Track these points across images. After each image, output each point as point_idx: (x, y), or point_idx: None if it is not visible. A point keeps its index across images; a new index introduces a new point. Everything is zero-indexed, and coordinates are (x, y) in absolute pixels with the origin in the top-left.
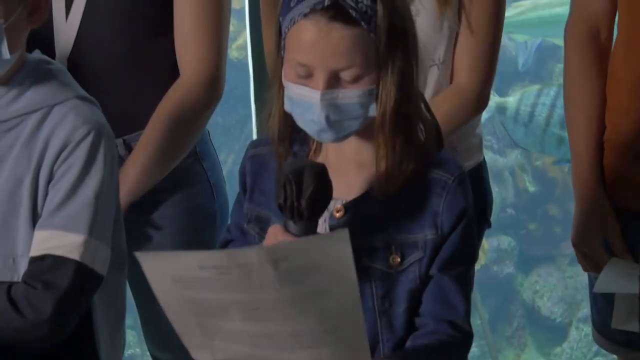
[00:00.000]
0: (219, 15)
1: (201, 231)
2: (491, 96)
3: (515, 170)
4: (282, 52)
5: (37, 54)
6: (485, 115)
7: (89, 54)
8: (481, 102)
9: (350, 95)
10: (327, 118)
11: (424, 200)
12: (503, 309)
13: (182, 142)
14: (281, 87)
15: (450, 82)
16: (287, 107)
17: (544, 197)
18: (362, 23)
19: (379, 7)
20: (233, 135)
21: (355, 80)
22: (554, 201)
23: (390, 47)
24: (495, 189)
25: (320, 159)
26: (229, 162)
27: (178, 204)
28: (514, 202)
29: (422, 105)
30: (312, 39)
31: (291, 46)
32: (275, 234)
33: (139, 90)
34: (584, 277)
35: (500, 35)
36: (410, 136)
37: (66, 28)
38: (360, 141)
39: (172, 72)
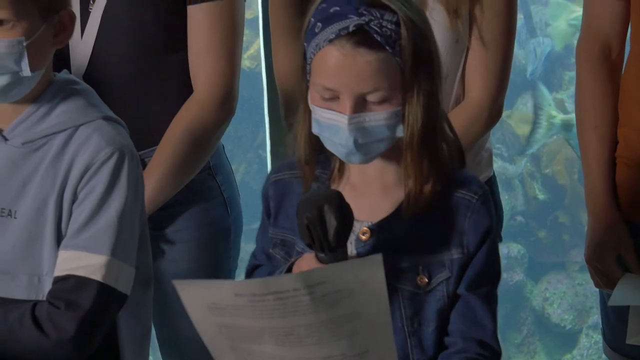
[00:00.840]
0: (232, 31)
1: (215, 245)
2: (555, 113)
3: (524, 178)
4: (308, 76)
5: (64, 74)
6: (542, 131)
7: (104, 71)
8: (495, 115)
9: (377, 117)
10: (356, 141)
11: (448, 219)
12: (513, 316)
13: (197, 158)
14: (307, 111)
15: (454, 96)
16: (315, 130)
17: (554, 204)
18: (387, 47)
19: (403, 31)
20: (245, 145)
21: (382, 102)
22: (563, 209)
23: (415, 69)
24: (505, 197)
25: (343, 181)
26: (241, 171)
27: (192, 218)
28: (524, 210)
29: (445, 124)
30: (338, 64)
31: (317, 71)
32: (309, 265)
33: (153, 106)
34: (593, 284)
35: (512, 48)
36: (436, 156)
37: (81, 46)
38: (384, 162)
39: (186, 88)
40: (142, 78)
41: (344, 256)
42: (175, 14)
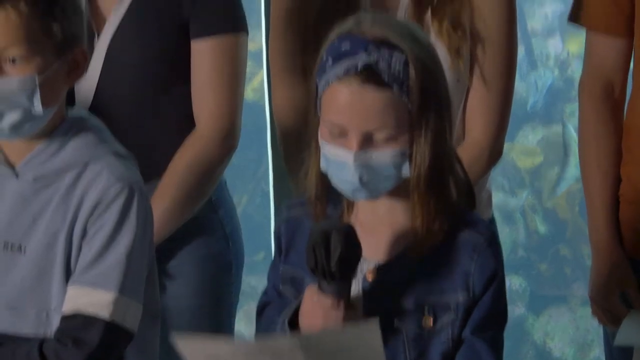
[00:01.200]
0: (235, 67)
1: (216, 280)
2: None
3: (526, 211)
4: (318, 111)
5: (77, 110)
6: (571, 170)
7: (108, 104)
8: (496, 155)
9: (383, 156)
10: (361, 179)
11: (455, 261)
12: (514, 351)
13: (199, 192)
14: (317, 147)
15: (454, 136)
16: (324, 166)
17: (555, 238)
18: (395, 86)
19: (411, 71)
20: (247, 176)
21: (389, 140)
22: (565, 242)
23: (423, 109)
24: (506, 230)
25: (352, 219)
26: (243, 202)
27: (193, 253)
28: (525, 243)
29: (455, 163)
30: (346, 101)
31: (326, 107)
32: (311, 296)
33: (156, 139)
34: (595, 318)
35: (513, 87)
36: (443, 196)
37: (86, 80)
38: (392, 201)
39: (189, 121)
40: (146, 111)
41: (347, 291)
42: (180, 49)
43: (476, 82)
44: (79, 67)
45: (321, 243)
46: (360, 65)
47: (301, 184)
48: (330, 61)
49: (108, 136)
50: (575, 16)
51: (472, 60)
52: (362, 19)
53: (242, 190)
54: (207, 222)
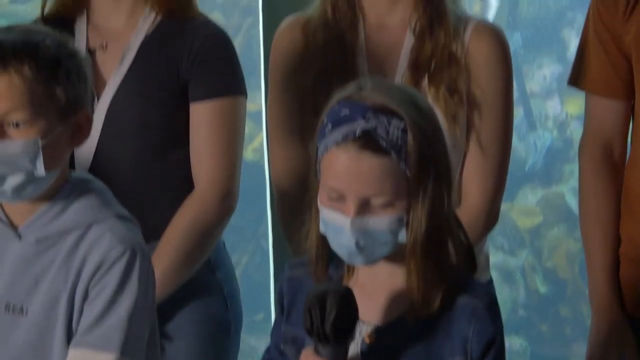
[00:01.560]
0: (234, 129)
1: (215, 342)
2: None
3: (526, 271)
4: (318, 175)
5: (80, 172)
6: None
7: (107, 166)
8: (492, 219)
9: (380, 222)
10: (357, 243)
11: (453, 325)
12: None
13: (197, 254)
14: (317, 210)
15: None
16: (322, 229)
17: (555, 298)
18: (393, 153)
19: (410, 138)
20: (246, 236)
21: (386, 207)
22: (565, 302)
23: (421, 176)
24: (506, 290)
25: (352, 282)
26: (243, 262)
27: (191, 314)
28: (525, 303)
29: (456, 226)
30: (343, 167)
31: (324, 171)
32: (307, 358)
33: (156, 201)
34: None
35: (509, 152)
36: (441, 261)
37: (86, 144)
38: (392, 265)
39: (189, 183)
40: (145, 173)
41: (342, 355)
42: (179, 111)
43: (472, 147)
44: (83, 131)
45: (317, 305)
46: (358, 131)
47: (301, 245)
48: (329, 126)
49: (111, 199)
50: (575, 79)
51: (469, 125)
52: (363, 84)
53: (242, 250)
54: (205, 283)
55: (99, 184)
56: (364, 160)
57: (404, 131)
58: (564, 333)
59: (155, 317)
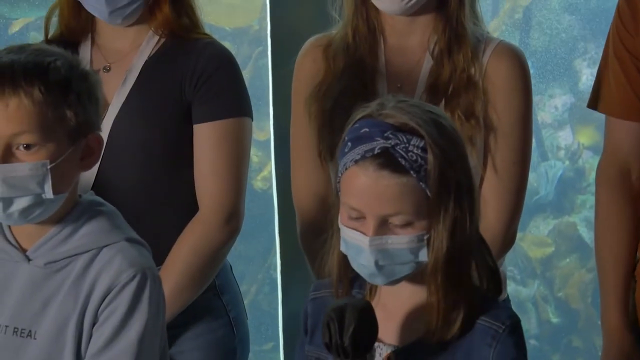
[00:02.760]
0: (238, 150)
1: None
2: None
3: (537, 301)
4: (339, 193)
5: (89, 195)
6: None
7: (109, 188)
8: (508, 242)
9: (399, 241)
10: (376, 263)
11: (474, 348)
12: None
13: (202, 277)
14: (338, 229)
15: None
16: (343, 249)
17: (567, 328)
18: (412, 172)
19: (430, 157)
20: (256, 265)
21: (405, 226)
22: (577, 333)
23: (441, 196)
24: None
25: (374, 302)
26: (252, 292)
27: (196, 338)
28: (537, 334)
29: (479, 248)
30: (361, 186)
31: (344, 190)
32: None
33: (158, 223)
34: None
35: (527, 176)
36: (463, 282)
37: None
38: (414, 286)
39: (192, 205)
40: (148, 196)
41: None
42: (183, 132)
43: (489, 172)
44: (94, 154)
45: (335, 318)
46: (377, 149)
47: (323, 266)
48: (349, 144)
49: (121, 222)
50: (594, 102)
51: (486, 148)
52: (385, 102)
53: (252, 279)
54: (211, 307)
55: (109, 206)
56: (382, 179)
57: (424, 150)
58: None
59: (166, 340)
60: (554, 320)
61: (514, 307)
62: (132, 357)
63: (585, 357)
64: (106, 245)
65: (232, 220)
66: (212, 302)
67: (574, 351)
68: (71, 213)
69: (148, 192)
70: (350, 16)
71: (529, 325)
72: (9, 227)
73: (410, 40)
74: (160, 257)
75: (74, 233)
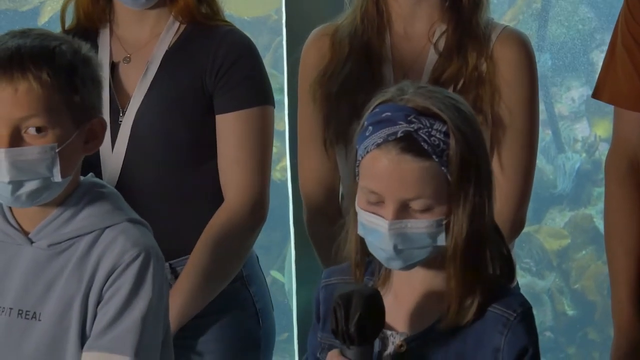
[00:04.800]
0: (262, 139)
1: (244, 358)
2: None
3: (553, 293)
4: (357, 178)
5: (90, 177)
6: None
7: (135, 181)
8: (517, 227)
9: (418, 225)
10: (395, 247)
11: (486, 336)
12: None
13: (228, 267)
14: (355, 213)
15: None
16: (361, 232)
17: (583, 320)
18: (434, 156)
19: (452, 142)
20: (272, 256)
21: (425, 210)
22: (593, 325)
23: (462, 181)
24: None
25: (387, 288)
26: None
27: (223, 329)
28: (553, 326)
29: (495, 236)
30: (383, 169)
31: (364, 174)
32: (332, 358)
33: (184, 215)
34: None
35: (534, 161)
36: (479, 269)
37: (113, 157)
38: (427, 272)
39: (217, 196)
40: (173, 187)
41: (368, 355)
42: (205, 124)
43: (495, 164)
44: (97, 137)
45: (342, 305)
46: (400, 133)
47: (330, 255)
48: (370, 128)
49: (122, 203)
50: (600, 92)
51: (492, 144)
52: (405, 87)
53: (267, 270)
54: (238, 298)
55: (110, 188)
56: (404, 162)
57: (447, 135)
58: (592, 357)
59: (168, 320)
60: (570, 312)
61: (529, 299)
62: (137, 335)
63: (601, 350)
64: (109, 226)
65: (257, 209)
66: (240, 293)
67: (589, 344)
68: (73, 195)
69: (172, 182)
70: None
71: (545, 318)
72: (10, 209)
73: (415, 27)
74: (183, 246)
75: (77, 215)
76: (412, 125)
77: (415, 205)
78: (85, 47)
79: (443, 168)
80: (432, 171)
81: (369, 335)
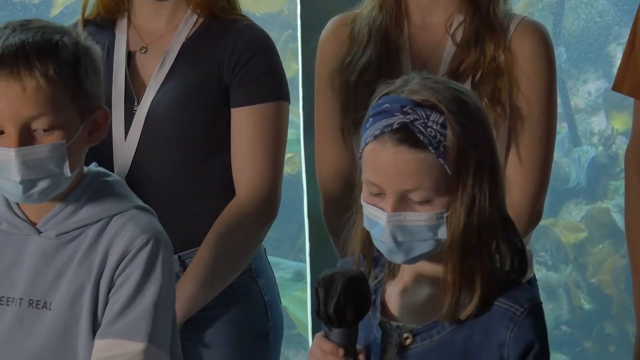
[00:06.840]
0: (276, 135)
1: (252, 350)
2: None
3: (569, 287)
4: (361, 170)
5: (94, 167)
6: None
7: (147, 172)
8: (534, 219)
9: (417, 218)
10: (395, 239)
11: (491, 329)
12: None
13: (237, 260)
14: (361, 206)
15: None
16: (365, 225)
17: (600, 314)
18: (431, 148)
19: (449, 133)
20: (285, 249)
21: (425, 202)
22: (610, 319)
23: (460, 173)
24: (549, 306)
25: (396, 281)
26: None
27: (231, 321)
28: (569, 320)
29: (504, 228)
30: (380, 161)
31: (364, 166)
32: (316, 340)
33: (195, 207)
34: None
35: (552, 153)
36: (481, 262)
37: (125, 147)
38: (435, 266)
39: (229, 189)
40: (185, 179)
41: (349, 340)
42: (220, 117)
43: (512, 155)
44: (101, 128)
45: (323, 287)
46: (395, 124)
47: (348, 242)
48: (371, 120)
49: (127, 190)
50: (620, 85)
51: (510, 135)
52: (410, 79)
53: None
54: (246, 290)
55: (114, 176)
56: (401, 154)
57: (444, 126)
58: (608, 351)
59: (174, 307)
60: (586, 306)
61: (544, 293)
62: (149, 321)
63: (617, 344)
64: (116, 214)
65: (268, 205)
66: (248, 285)
67: (606, 338)
68: (79, 185)
69: (184, 174)
70: None
71: (561, 311)
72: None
73: (433, 18)
74: (193, 238)
75: (84, 204)
76: (408, 117)
77: (415, 197)
78: (83, 36)
79: (440, 159)
80: (429, 162)
81: (349, 318)
